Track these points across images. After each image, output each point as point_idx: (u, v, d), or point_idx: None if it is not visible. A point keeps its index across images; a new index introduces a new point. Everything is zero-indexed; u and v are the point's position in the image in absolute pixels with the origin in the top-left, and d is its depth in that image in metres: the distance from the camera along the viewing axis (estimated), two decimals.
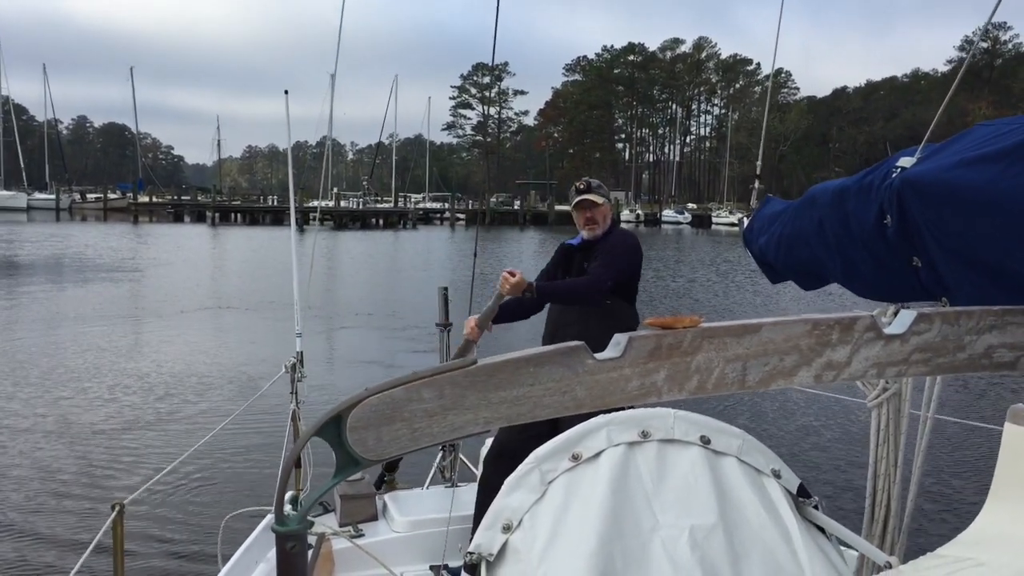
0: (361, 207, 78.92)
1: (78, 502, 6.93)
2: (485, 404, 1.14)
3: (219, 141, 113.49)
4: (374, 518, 4.21)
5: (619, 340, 1.22)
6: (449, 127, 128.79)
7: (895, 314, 1.36)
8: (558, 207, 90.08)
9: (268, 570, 3.66)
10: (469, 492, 4.14)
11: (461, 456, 4.68)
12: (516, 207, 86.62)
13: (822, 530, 1.65)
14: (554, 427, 3.76)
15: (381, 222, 72.63)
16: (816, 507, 1.66)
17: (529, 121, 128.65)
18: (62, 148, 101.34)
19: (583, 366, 1.18)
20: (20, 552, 6.01)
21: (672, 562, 1.45)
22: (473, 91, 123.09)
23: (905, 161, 2.02)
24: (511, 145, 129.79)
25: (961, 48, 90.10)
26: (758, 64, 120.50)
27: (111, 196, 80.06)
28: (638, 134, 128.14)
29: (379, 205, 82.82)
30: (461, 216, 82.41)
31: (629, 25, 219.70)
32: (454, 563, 3.86)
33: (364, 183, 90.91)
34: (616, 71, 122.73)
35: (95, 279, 24.68)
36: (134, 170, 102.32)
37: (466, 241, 53.36)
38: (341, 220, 69.54)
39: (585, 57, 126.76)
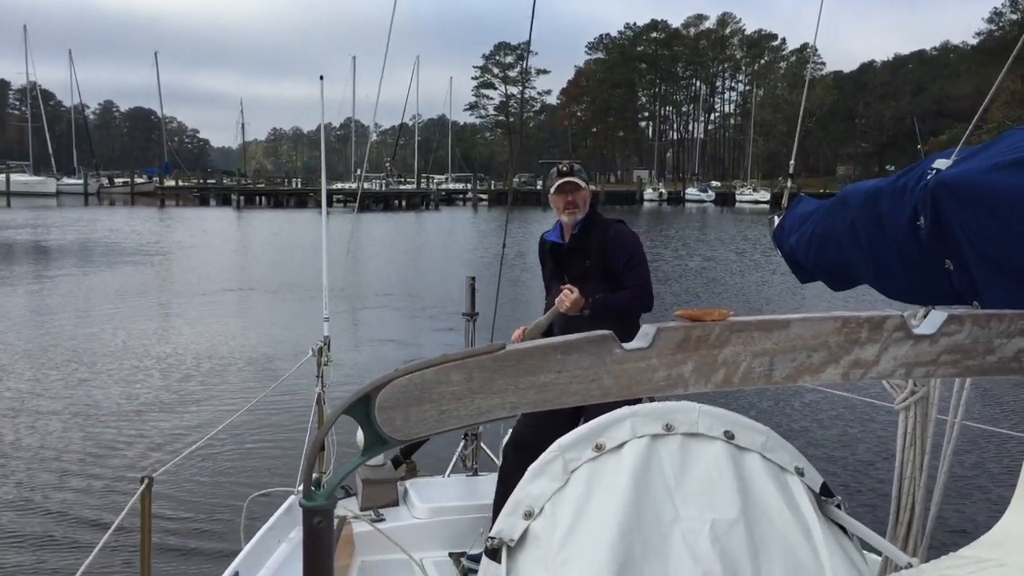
0: (384, 189, 79.09)
1: (102, 481, 7.08)
2: (512, 389, 1.16)
3: (243, 124, 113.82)
4: (395, 503, 4.26)
5: (647, 331, 1.22)
6: (472, 107, 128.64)
7: (924, 316, 1.35)
8: None
9: (289, 550, 3.73)
10: (490, 481, 4.16)
11: (482, 445, 4.70)
12: (538, 187, 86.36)
13: (844, 530, 1.64)
14: (574, 421, 3.79)
15: (404, 203, 72.73)
16: (839, 506, 1.66)
17: (552, 100, 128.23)
18: (89, 133, 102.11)
19: (611, 355, 1.19)
20: (47, 527, 6.17)
21: (692, 555, 1.46)
22: (496, 71, 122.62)
23: (941, 163, 2.01)
24: (534, 125, 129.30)
25: (990, 20, 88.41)
26: (783, 39, 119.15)
27: (138, 180, 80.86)
28: (662, 112, 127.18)
29: (402, 187, 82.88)
30: (484, 197, 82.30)
31: (652, 2, 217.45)
32: (473, 551, 3.88)
33: (387, 164, 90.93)
34: (639, 49, 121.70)
35: (122, 263, 24.98)
36: (160, 154, 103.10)
37: (488, 222, 53.34)
38: (364, 202, 69.72)
39: (608, 35, 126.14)
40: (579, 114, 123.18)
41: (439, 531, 3.93)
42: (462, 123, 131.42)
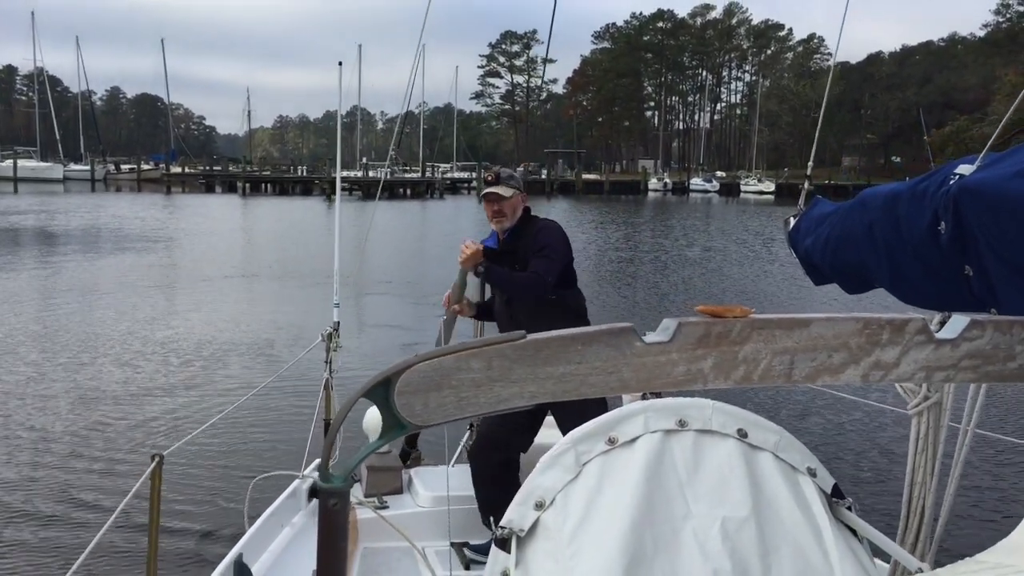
0: (389, 177, 78.81)
1: (107, 462, 7.16)
2: (532, 379, 1.16)
3: (249, 112, 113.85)
4: (399, 491, 4.33)
5: (668, 325, 1.23)
6: (477, 96, 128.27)
7: (942, 322, 1.34)
8: (586, 176, 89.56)
9: (292, 534, 3.79)
10: None
11: None
12: (543, 176, 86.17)
13: (854, 532, 1.64)
14: (535, 419, 3.83)
15: (408, 192, 72.55)
16: (849, 508, 1.65)
17: (558, 89, 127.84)
18: (96, 119, 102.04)
19: (631, 348, 1.19)
20: (54, 506, 6.25)
21: (702, 551, 1.46)
22: (502, 60, 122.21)
23: (964, 169, 2.00)
24: (540, 114, 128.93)
25: (997, 12, 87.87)
26: (790, 30, 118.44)
27: (144, 167, 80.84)
28: (667, 102, 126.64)
29: (406, 175, 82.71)
30: None
31: None
32: (475, 540, 3.93)
33: (392, 153, 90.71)
34: (645, 38, 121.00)
35: (128, 248, 25.06)
36: (167, 141, 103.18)
37: None
38: (368, 190, 69.63)
39: (614, 24, 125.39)
40: (585, 103, 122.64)
41: (442, 520, 3.93)
42: (468, 111, 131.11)
